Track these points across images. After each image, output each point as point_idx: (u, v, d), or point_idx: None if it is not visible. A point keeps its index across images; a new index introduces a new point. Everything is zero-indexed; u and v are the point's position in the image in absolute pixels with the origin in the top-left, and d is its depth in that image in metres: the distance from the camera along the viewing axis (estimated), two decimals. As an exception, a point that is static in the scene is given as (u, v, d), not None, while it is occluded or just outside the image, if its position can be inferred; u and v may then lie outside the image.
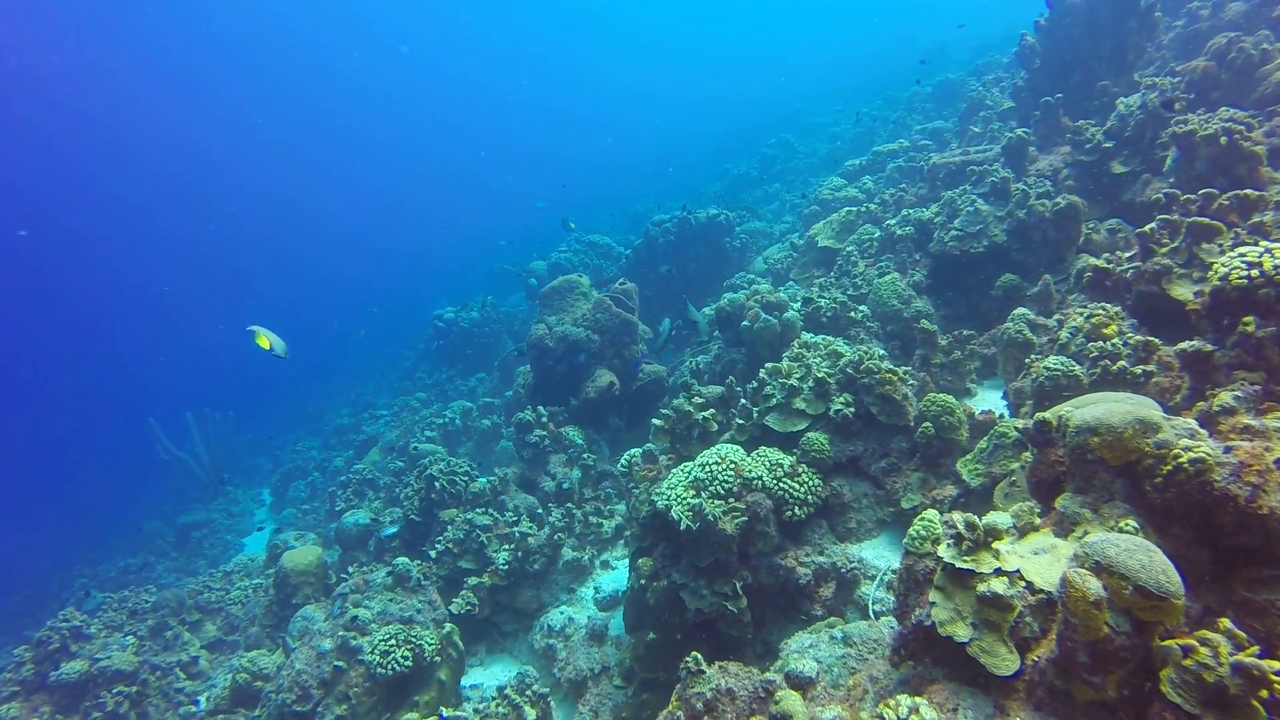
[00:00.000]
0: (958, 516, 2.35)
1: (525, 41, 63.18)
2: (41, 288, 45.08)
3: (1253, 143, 5.03)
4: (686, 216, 11.47)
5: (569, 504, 6.68)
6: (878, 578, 4.09)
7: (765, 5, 58.43)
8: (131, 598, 8.61)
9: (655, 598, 4.26)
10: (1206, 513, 2.17)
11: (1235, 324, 3.21)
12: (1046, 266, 5.90)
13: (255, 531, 13.47)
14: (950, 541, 2.35)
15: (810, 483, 4.32)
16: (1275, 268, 3.08)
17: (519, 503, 6.76)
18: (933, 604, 2.31)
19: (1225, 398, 2.72)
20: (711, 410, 5.24)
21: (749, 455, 4.41)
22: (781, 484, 4.25)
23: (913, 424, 4.53)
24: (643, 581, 4.39)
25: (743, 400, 5.09)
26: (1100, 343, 4.02)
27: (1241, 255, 3.25)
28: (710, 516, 3.92)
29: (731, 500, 4.06)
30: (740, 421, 4.96)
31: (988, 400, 5.40)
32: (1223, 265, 3.31)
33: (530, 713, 4.77)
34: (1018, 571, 2.25)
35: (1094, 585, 1.86)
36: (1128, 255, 4.91)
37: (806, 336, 5.53)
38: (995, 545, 2.32)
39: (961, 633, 2.22)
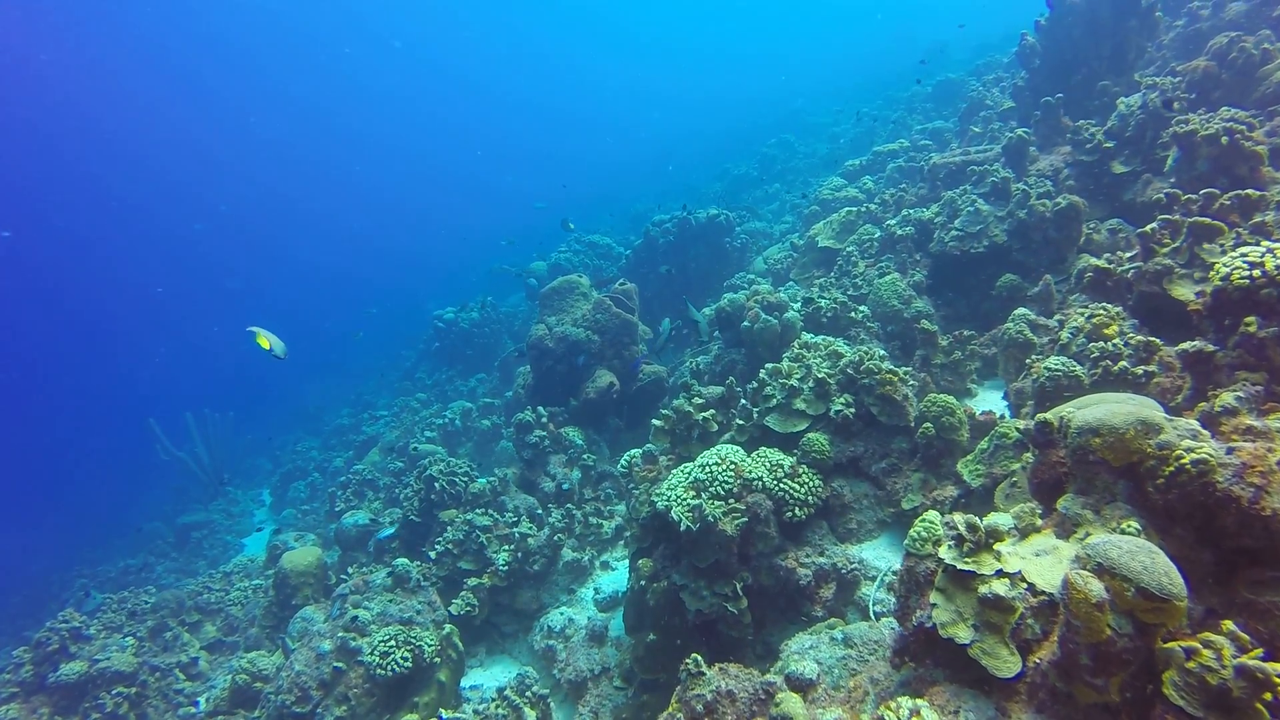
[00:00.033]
0: (959, 518, 2.34)
1: (524, 41, 63.19)
2: (41, 288, 45.09)
3: (1254, 142, 5.02)
4: (686, 217, 11.46)
5: (569, 505, 6.67)
6: (878, 578, 4.08)
7: (765, 5, 58.48)
8: (131, 598, 8.60)
9: (655, 599, 4.25)
10: (1209, 514, 2.16)
11: (1237, 324, 3.20)
12: (1047, 267, 5.89)
13: (255, 532, 13.46)
14: (951, 543, 2.34)
15: (810, 483, 4.31)
16: (1277, 268, 3.07)
17: (519, 503, 6.76)
18: (934, 606, 2.30)
19: (1227, 398, 2.71)
20: (711, 411, 5.23)
21: (749, 456, 4.40)
22: (782, 485, 4.24)
23: (913, 424, 4.52)
24: (643, 582, 4.38)
25: (743, 401, 5.08)
26: (1101, 343, 4.01)
27: (1243, 255, 3.24)
28: (710, 517, 3.91)
29: (732, 501, 4.05)
30: (740, 422, 4.96)
31: (988, 401, 5.39)
32: (1224, 265, 3.30)
33: (530, 714, 4.76)
34: (1019, 573, 2.24)
35: (1096, 587, 1.85)
36: (1129, 255, 4.90)
37: (807, 337, 5.52)
38: (997, 547, 2.31)
39: (963, 635, 2.21)
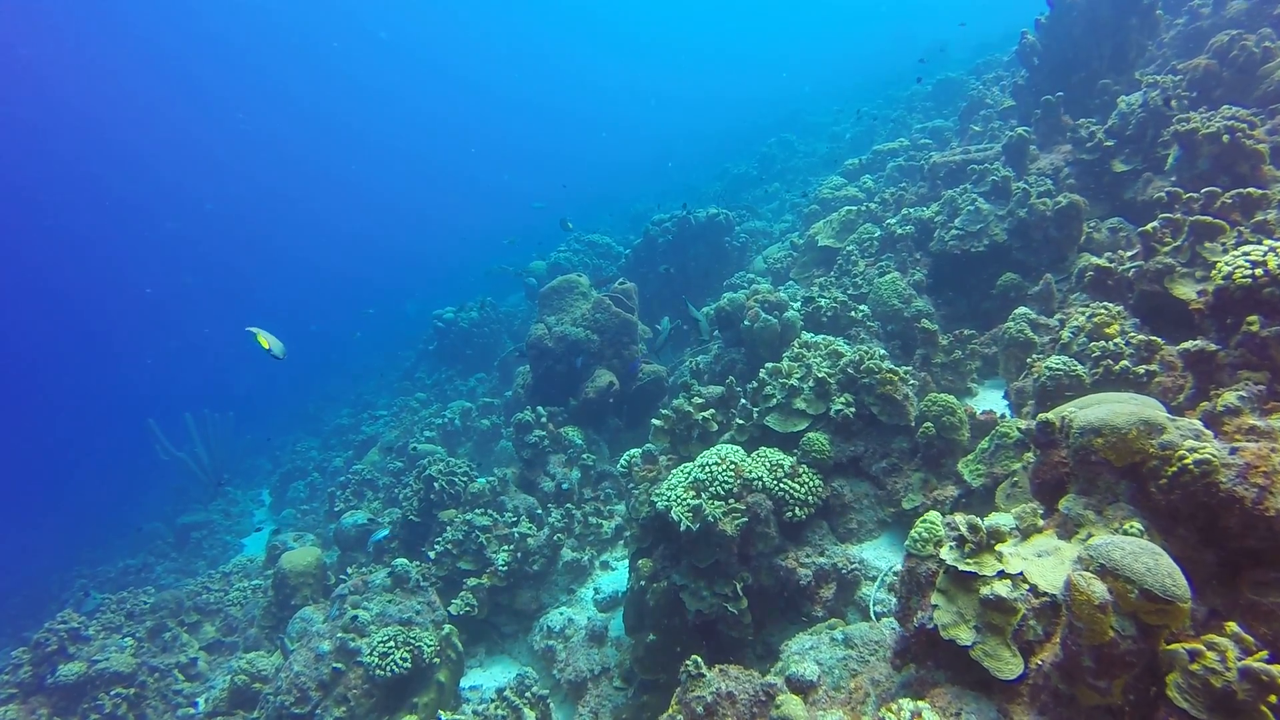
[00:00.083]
0: (960, 518, 2.33)
1: (522, 39, 62.97)
2: (40, 288, 45.04)
3: (1255, 141, 5.00)
4: (686, 216, 11.44)
5: (568, 504, 6.66)
6: (879, 579, 4.07)
7: (765, 5, 58.40)
8: (130, 599, 8.59)
9: (655, 599, 4.24)
10: (1212, 515, 2.14)
11: (1239, 323, 3.18)
12: (1048, 265, 5.88)
13: (254, 532, 13.45)
14: (953, 544, 2.33)
15: (811, 483, 4.30)
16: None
17: (518, 503, 6.74)
18: (935, 607, 2.29)
19: (1230, 398, 2.70)
20: (711, 410, 5.22)
21: (749, 456, 4.39)
22: (782, 484, 4.22)
23: (914, 424, 4.51)
24: (643, 583, 4.37)
25: (743, 400, 5.07)
26: (1102, 342, 3.99)
27: (1245, 254, 3.22)
28: (710, 517, 3.89)
29: (732, 501, 4.03)
30: (740, 422, 4.94)
31: (989, 400, 5.38)
32: (1226, 264, 3.28)
33: (529, 714, 4.75)
34: (1021, 574, 2.23)
35: (1099, 589, 1.84)
36: (1130, 254, 4.88)
37: (807, 336, 5.51)
38: (998, 548, 2.29)
39: (964, 636, 2.19)
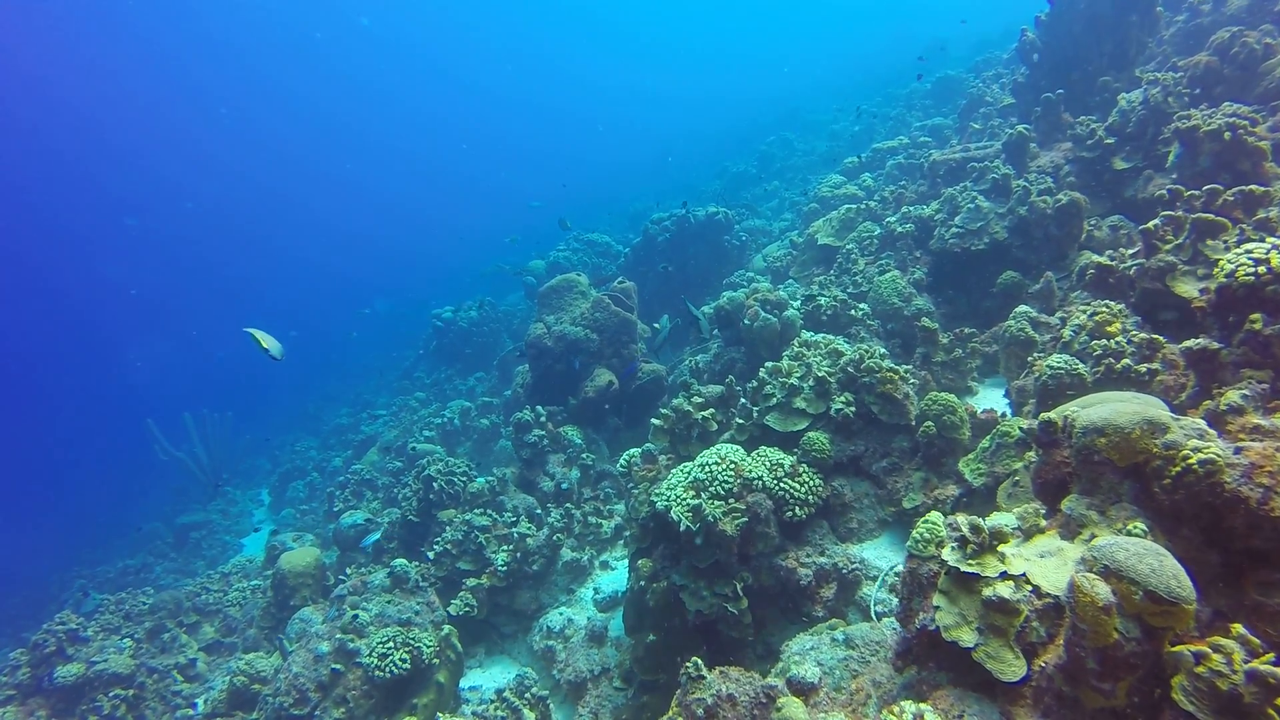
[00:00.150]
0: (962, 519, 2.31)
1: (520, 37, 62.73)
2: (39, 288, 44.94)
3: (1257, 138, 4.98)
4: (685, 215, 11.42)
5: (568, 504, 6.64)
6: (879, 578, 4.05)
7: (765, 3, 58.31)
8: (129, 599, 8.57)
9: (655, 599, 4.22)
10: (1217, 515, 2.13)
11: (1242, 321, 3.16)
12: (1048, 264, 5.86)
13: (253, 532, 13.43)
14: (955, 545, 2.31)
15: (811, 483, 4.28)
16: (1283, 264, 3.04)
17: (517, 503, 6.72)
18: (937, 608, 2.27)
19: (1233, 396, 2.68)
20: (711, 410, 5.20)
21: (749, 455, 4.37)
22: (782, 484, 4.20)
23: (914, 423, 4.49)
24: (642, 583, 4.35)
25: (742, 400, 5.05)
26: (1104, 341, 3.97)
27: (1248, 251, 3.21)
28: (710, 517, 3.87)
29: (732, 501, 4.02)
30: (740, 421, 4.92)
31: (989, 399, 5.36)
32: (1229, 262, 3.26)
33: (529, 715, 4.73)
34: (1024, 575, 2.21)
35: (1103, 590, 1.82)
36: (1131, 252, 4.86)
37: (806, 335, 5.49)
38: (1001, 548, 2.28)
39: (967, 638, 2.18)
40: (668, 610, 4.20)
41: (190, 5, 42.16)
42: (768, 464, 4.28)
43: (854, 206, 9.18)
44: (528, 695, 4.84)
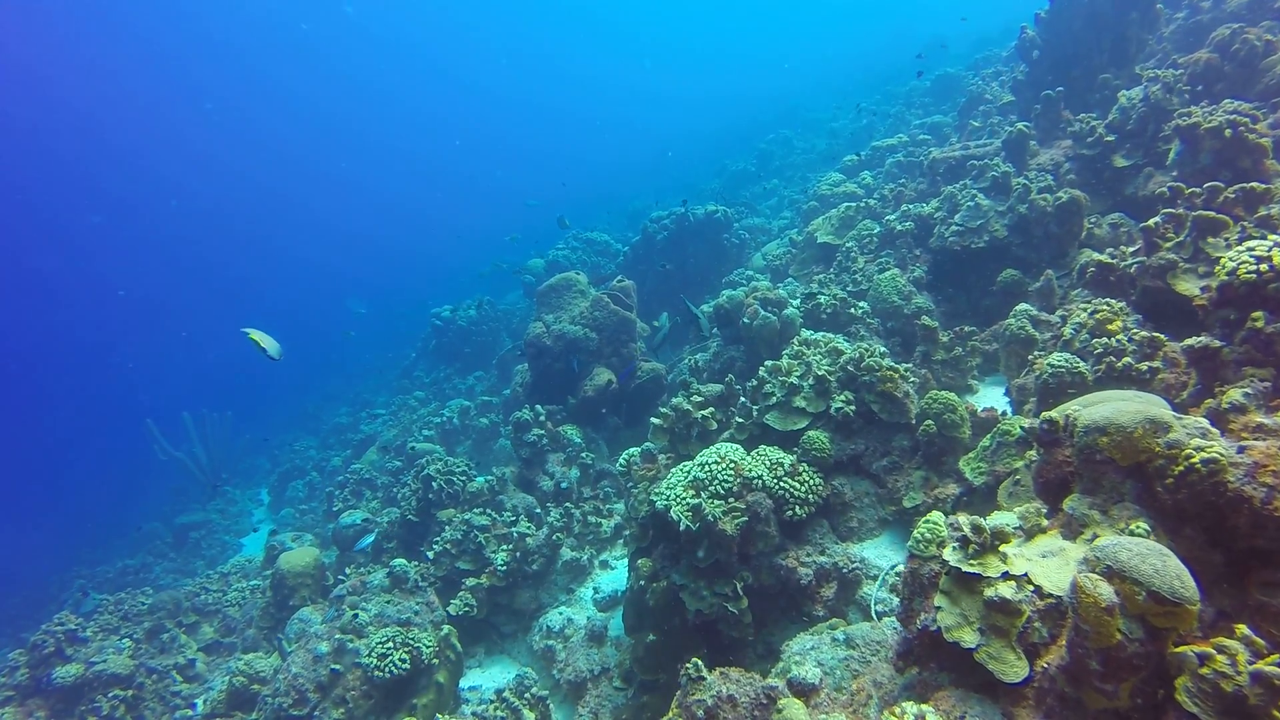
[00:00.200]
0: (963, 519, 2.29)
1: (517, 35, 62.44)
2: (39, 288, 44.86)
3: (1258, 135, 4.96)
4: (684, 213, 11.40)
5: (567, 503, 6.63)
6: (880, 577, 4.04)
7: (765, 2, 58.17)
8: (128, 600, 8.55)
9: (655, 599, 4.21)
10: (1220, 515, 2.11)
11: (1243, 319, 3.15)
12: (1048, 261, 5.84)
13: (252, 532, 13.42)
14: (956, 545, 2.30)
15: (811, 482, 4.27)
16: (1285, 262, 3.02)
17: (517, 502, 6.71)
18: (938, 609, 2.26)
19: (1235, 395, 2.67)
20: (711, 409, 5.19)
21: (749, 454, 4.36)
22: (782, 483, 4.19)
23: (914, 422, 4.48)
24: (642, 582, 4.34)
25: (742, 398, 5.03)
26: (1105, 339, 3.96)
27: (1250, 249, 3.19)
28: (710, 516, 3.86)
29: (731, 500, 4.00)
30: (740, 420, 4.91)
31: (990, 397, 5.35)
32: (1230, 260, 3.25)
33: (529, 715, 4.72)
34: (1025, 575, 2.20)
35: (1106, 591, 1.81)
36: (1132, 250, 4.85)
37: (806, 333, 5.47)
38: (1002, 548, 2.26)
39: (968, 638, 2.16)
40: (668, 610, 4.19)
41: (190, 7, 41.85)
42: (768, 463, 4.27)
43: (853, 204, 9.17)
44: (527, 695, 4.83)
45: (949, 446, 4.35)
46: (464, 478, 6.87)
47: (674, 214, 11.52)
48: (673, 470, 4.38)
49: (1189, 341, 3.36)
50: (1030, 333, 4.83)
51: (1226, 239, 3.99)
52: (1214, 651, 1.73)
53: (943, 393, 4.48)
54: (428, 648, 5.00)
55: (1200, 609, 1.82)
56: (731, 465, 4.14)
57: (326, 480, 13.06)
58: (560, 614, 5.59)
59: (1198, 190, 4.40)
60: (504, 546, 5.96)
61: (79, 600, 11.60)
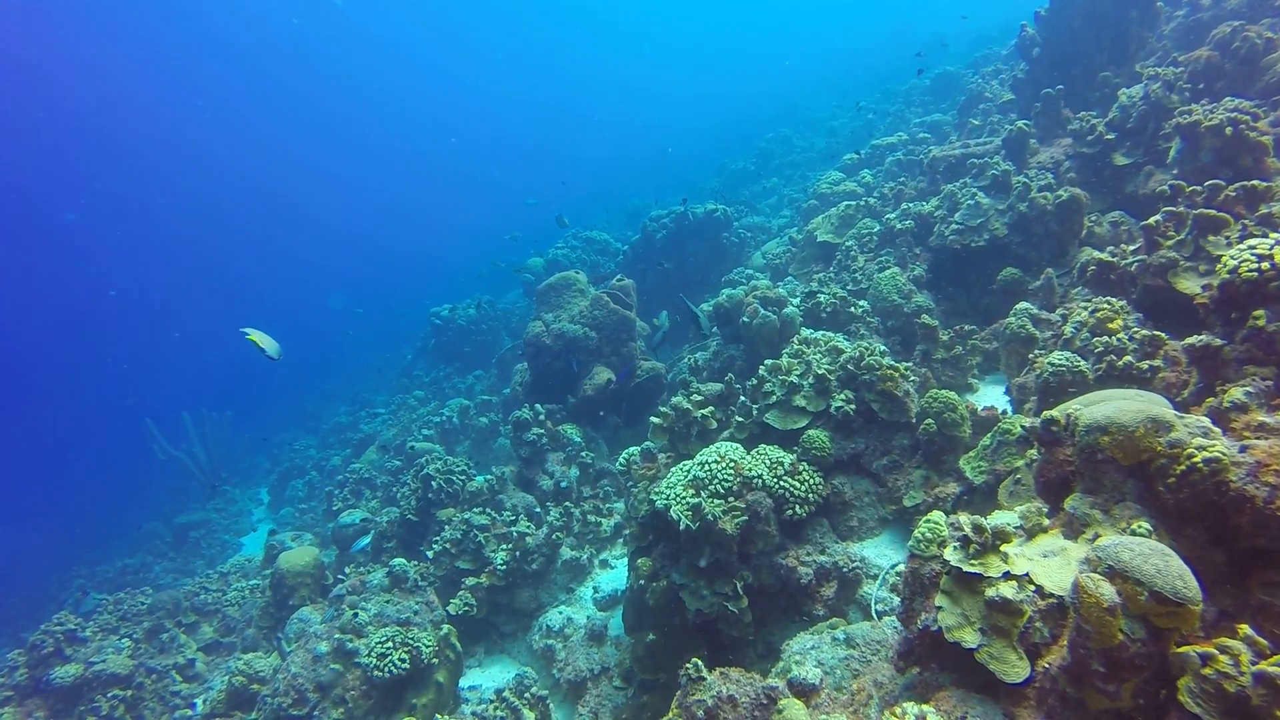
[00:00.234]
0: (965, 519, 2.29)
1: (515, 33, 62.22)
2: (39, 288, 44.77)
3: (1259, 133, 4.95)
4: (684, 212, 11.38)
5: (567, 503, 6.62)
6: (880, 577, 4.04)
7: (763, 0, 58.06)
8: (128, 599, 8.54)
9: (655, 598, 4.20)
10: (1222, 514, 2.10)
11: (1245, 318, 3.13)
12: (1049, 260, 5.83)
13: (252, 531, 13.42)
14: (957, 544, 2.29)
15: (811, 481, 4.26)
16: (1286, 260, 3.01)
17: (517, 502, 6.70)
18: (939, 609, 2.25)
19: (1236, 393, 2.66)
20: (710, 408, 5.18)
21: (749, 453, 4.35)
22: (782, 482, 4.18)
23: (914, 421, 4.47)
24: (642, 582, 4.33)
25: (742, 398, 5.02)
26: (1105, 337, 3.95)
27: (1251, 247, 3.18)
28: (710, 516, 3.85)
29: (731, 499, 3.99)
30: (740, 419, 4.90)
31: (990, 396, 5.34)
32: (1232, 258, 3.23)
33: (529, 715, 4.72)
34: (1027, 575, 2.19)
35: (1108, 591, 1.80)
36: (1132, 249, 4.84)
37: (806, 332, 5.46)
38: (1003, 548, 2.26)
39: (969, 638, 2.16)
40: (667, 609, 4.18)
41: (186, 4, 41.54)
42: (768, 462, 4.26)
43: (853, 203, 9.15)
44: (527, 695, 4.82)
45: (949, 445, 4.34)
46: (463, 477, 6.86)
47: (674, 213, 11.50)
48: (672, 469, 4.37)
49: (1190, 340, 3.36)
50: (1031, 331, 4.82)
51: (1227, 237, 3.98)
52: (1217, 652, 1.73)
53: (943, 391, 4.47)
54: (427, 647, 4.99)
55: (1203, 609, 1.81)
56: (731, 464, 4.14)
57: (326, 479, 13.05)
58: (560, 613, 5.58)
59: (1198, 188, 4.39)
60: (503, 546, 5.95)
61: (78, 600, 11.60)
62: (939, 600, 2.27)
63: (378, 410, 15.34)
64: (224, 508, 14.77)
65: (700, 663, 2.76)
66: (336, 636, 5.08)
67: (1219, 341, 3.22)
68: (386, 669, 4.79)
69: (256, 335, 5.59)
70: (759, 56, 51.69)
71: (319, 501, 12.21)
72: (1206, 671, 1.71)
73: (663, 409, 5.25)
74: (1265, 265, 3.06)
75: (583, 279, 8.91)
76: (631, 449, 5.62)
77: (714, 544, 3.89)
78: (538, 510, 6.59)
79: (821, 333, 5.35)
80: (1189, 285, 3.94)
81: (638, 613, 4.55)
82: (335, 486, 10.63)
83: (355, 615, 5.18)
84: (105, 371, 37.68)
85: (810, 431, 4.50)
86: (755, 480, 4.09)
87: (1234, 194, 4.23)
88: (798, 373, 4.77)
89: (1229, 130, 4.99)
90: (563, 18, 62.09)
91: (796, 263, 9.43)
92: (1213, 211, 4.06)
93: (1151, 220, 4.30)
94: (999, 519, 2.35)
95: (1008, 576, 2.17)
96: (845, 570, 4.03)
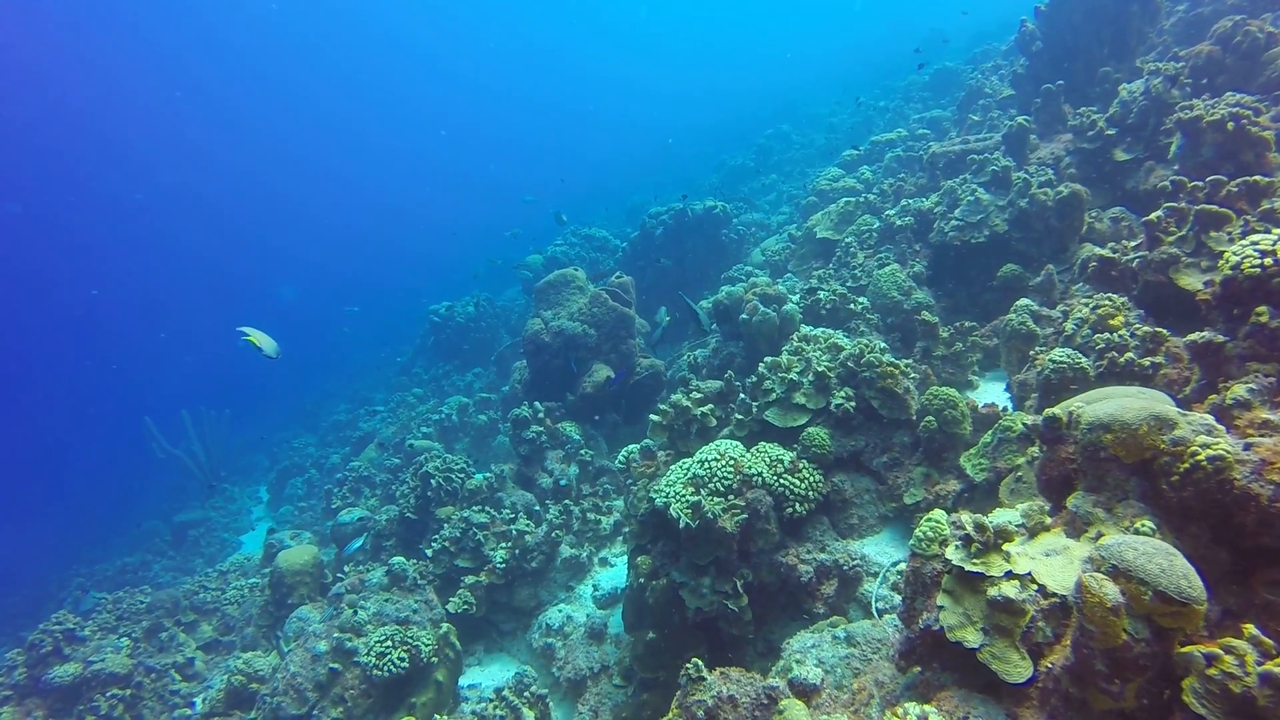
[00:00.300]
0: (966, 517, 2.27)
1: (515, 31, 62.01)
2: (38, 287, 44.64)
3: (1260, 128, 4.92)
4: (683, 208, 11.35)
5: (566, 501, 6.61)
6: (880, 575, 4.02)
7: (763, -1, 57.84)
8: (127, 598, 8.53)
9: (655, 596, 4.19)
10: (1226, 512, 2.09)
11: (1247, 314, 3.12)
12: (1049, 256, 5.81)
13: (251, 530, 13.41)
14: (959, 543, 2.28)
15: (811, 479, 4.24)
16: (1289, 256, 2.99)
17: (516, 500, 6.68)
18: (941, 608, 2.23)
19: (1239, 390, 2.64)
20: (710, 405, 5.16)
21: (748, 451, 4.33)
22: (782, 480, 4.17)
23: (915, 418, 4.45)
24: (642, 580, 4.32)
25: (741, 395, 5.00)
26: (1107, 334, 3.93)
27: (1254, 243, 3.16)
28: (710, 514, 3.84)
29: (731, 497, 3.98)
30: (739, 417, 4.88)
31: (990, 393, 5.32)
32: (1234, 254, 3.21)
33: (528, 714, 4.71)
34: (1029, 574, 2.17)
35: (1111, 590, 1.78)
36: (1133, 245, 4.82)
37: (806, 329, 5.44)
38: (1005, 547, 2.24)
39: (971, 638, 2.14)
40: (667, 607, 4.17)
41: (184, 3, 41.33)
42: (767, 460, 4.24)
43: (853, 199, 9.12)
44: (527, 693, 4.81)
45: (950, 443, 4.33)
46: (463, 475, 6.84)
47: (673, 210, 11.47)
48: (672, 467, 4.35)
49: (1192, 336, 3.34)
50: (1031, 328, 4.80)
51: (1229, 233, 3.96)
52: (1221, 652, 1.71)
53: (943, 388, 4.46)
54: (426, 646, 4.98)
55: (1207, 608, 1.79)
56: (731, 462, 4.12)
57: (325, 478, 13.03)
58: (560, 611, 5.57)
59: (1200, 184, 4.36)
60: (503, 544, 5.94)
61: (78, 599, 11.59)
62: (941, 599, 2.25)
63: (377, 408, 15.31)
64: (223, 506, 14.76)
65: (700, 662, 2.75)
66: (335, 635, 5.06)
67: (1221, 338, 3.20)
68: (386, 668, 4.78)
69: (255, 334, 5.57)
70: (758, 53, 51.59)
71: (318, 500, 12.19)
72: (1211, 672, 1.70)
73: (662, 406, 5.23)
74: (1268, 261, 3.04)
75: (582, 276, 8.89)
76: (631, 446, 5.61)
77: (714, 542, 3.87)
78: (537, 508, 6.57)
79: (821, 330, 5.33)
80: (1191, 281, 3.92)
81: (637, 611, 4.54)
82: (334, 484, 10.62)
83: (354, 614, 5.17)
84: (107, 370, 37.63)
85: (810, 429, 4.48)
86: (755, 478, 4.08)
87: (1236, 189, 4.20)
88: (797, 370, 4.75)
89: (1230, 125, 4.96)
90: (562, 14, 61.91)
91: (796, 259, 9.41)
92: (1214, 207, 4.04)
93: (1153, 216, 4.28)
94: (1001, 517, 2.34)
95: (1010, 575, 2.16)
96: (846, 568, 4.02)
